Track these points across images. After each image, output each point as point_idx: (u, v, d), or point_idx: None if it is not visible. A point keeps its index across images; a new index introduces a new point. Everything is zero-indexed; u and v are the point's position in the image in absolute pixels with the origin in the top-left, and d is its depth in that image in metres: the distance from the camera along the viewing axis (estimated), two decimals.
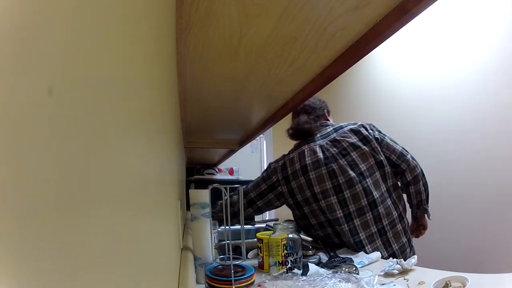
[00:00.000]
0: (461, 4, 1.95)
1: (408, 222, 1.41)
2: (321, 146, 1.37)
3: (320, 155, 1.35)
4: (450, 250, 1.85)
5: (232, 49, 0.78)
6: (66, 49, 0.12)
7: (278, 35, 0.72)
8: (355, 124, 1.41)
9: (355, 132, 1.37)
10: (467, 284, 0.80)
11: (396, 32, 0.67)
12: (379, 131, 1.42)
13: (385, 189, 1.36)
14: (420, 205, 1.42)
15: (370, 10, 0.63)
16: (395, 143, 1.41)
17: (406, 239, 1.36)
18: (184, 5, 0.59)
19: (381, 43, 0.71)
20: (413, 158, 1.40)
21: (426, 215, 1.45)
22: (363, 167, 1.33)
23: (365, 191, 1.31)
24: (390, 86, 2.52)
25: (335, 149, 1.35)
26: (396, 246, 1.33)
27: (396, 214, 1.35)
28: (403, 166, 1.37)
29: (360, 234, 1.31)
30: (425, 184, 1.41)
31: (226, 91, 1.08)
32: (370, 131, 1.39)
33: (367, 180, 1.32)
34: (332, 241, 1.39)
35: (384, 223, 1.32)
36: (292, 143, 1.53)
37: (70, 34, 0.12)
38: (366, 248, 1.30)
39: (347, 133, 1.38)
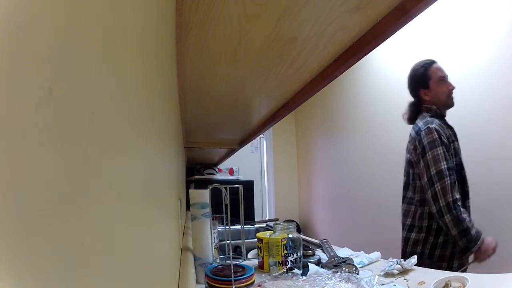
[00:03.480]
0: (461, 4, 1.94)
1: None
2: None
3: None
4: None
5: (232, 49, 0.77)
6: (66, 49, 0.12)
7: (278, 35, 0.72)
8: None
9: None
10: (467, 284, 0.80)
11: (396, 32, 0.67)
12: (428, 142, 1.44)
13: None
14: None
15: (370, 10, 0.63)
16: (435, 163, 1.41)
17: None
18: (184, 5, 0.59)
19: (381, 43, 0.71)
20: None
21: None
22: None
23: None
24: (389, 86, 2.51)
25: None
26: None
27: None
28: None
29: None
30: (446, 225, 1.38)
31: (226, 91, 1.08)
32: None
33: None
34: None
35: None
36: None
37: (70, 34, 0.12)
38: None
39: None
